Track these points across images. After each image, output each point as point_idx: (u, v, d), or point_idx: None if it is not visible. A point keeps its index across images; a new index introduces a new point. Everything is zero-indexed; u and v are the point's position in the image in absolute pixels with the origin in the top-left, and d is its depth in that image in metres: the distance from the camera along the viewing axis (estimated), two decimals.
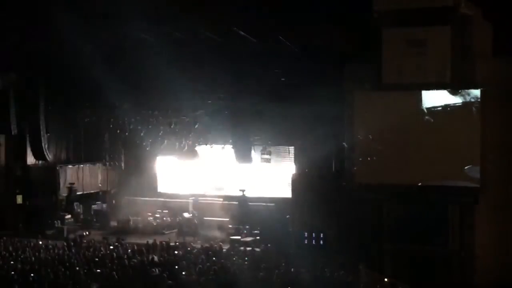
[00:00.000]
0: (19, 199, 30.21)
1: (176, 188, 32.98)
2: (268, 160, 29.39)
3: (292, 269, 19.60)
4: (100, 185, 33.31)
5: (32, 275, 18.86)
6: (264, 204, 28.99)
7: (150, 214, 30.46)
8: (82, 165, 32.58)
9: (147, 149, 32.71)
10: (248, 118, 27.55)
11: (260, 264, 20.13)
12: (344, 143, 22.43)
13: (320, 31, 22.23)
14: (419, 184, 19.44)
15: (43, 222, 29.08)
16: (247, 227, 27.64)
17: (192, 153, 31.37)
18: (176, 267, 19.71)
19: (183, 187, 32.51)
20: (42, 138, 29.77)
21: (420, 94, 19.59)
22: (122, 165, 33.78)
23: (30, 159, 30.59)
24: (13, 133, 29.35)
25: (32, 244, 24.73)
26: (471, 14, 19.52)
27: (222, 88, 27.23)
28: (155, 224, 29.72)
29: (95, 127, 32.41)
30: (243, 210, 28.71)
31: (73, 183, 31.32)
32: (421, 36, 19.40)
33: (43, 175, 30.90)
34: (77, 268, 19.71)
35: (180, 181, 33.00)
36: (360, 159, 20.54)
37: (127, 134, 32.24)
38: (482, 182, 18.90)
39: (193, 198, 30.97)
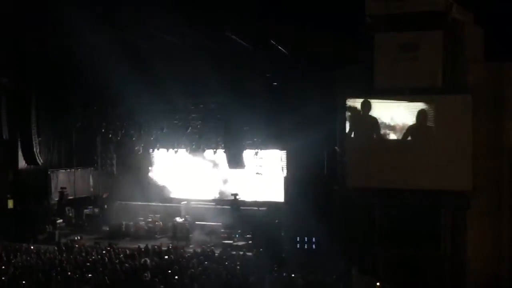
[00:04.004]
0: (11, 203, 30.10)
1: (169, 192, 33.00)
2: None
3: (285, 274, 19.62)
4: (92, 189, 33.24)
5: (23, 279, 18.82)
6: (256, 208, 29.00)
7: (142, 218, 30.42)
8: (73, 170, 32.51)
9: (139, 153, 32.70)
10: (240, 122, 27.56)
11: (252, 269, 20.13)
12: (336, 147, 22.46)
13: (312, 35, 22.26)
14: (411, 188, 19.46)
15: (35, 227, 29.00)
16: (239, 231, 27.62)
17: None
18: (169, 271, 19.69)
19: (178, 191, 32.55)
20: (34, 143, 29.68)
21: (412, 99, 19.62)
22: (114, 169, 33.73)
23: (22, 164, 30.48)
24: (4, 137, 29.26)
25: (23, 248, 24.66)
26: (463, 19, 19.57)
27: (214, 92, 27.25)
28: (147, 228, 29.68)
29: (87, 131, 32.37)
30: (235, 214, 28.71)
31: (65, 188, 31.24)
32: (413, 40, 19.41)
33: (34, 180, 30.80)
34: (69, 273, 19.69)
35: (173, 185, 33.01)
36: (352, 163, 20.53)
37: (119, 138, 32.22)
38: (474, 186, 18.93)
39: (185, 202, 30.98)
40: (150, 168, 33.56)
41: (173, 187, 32.97)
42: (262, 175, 29.26)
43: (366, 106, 20.08)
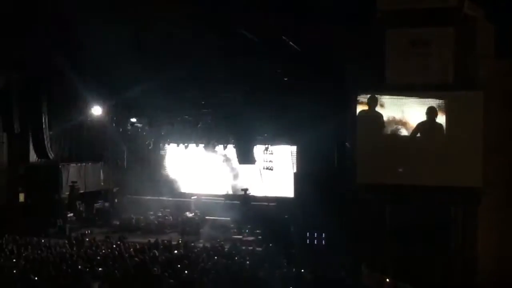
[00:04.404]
0: (21, 197, 30.20)
1: (179, 186, 33.07)
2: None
3: (294, 269, 19.61)
4: (102, 183, 33.34)
5: (34, 273, 18.89)
6: (266, 203, 29.01)
7: (152, 212, 30.50)
8: (84, 164, 32.62)
9: (150, 148, 32.78)
10: (250, 118, 27.53)
11: (262, 264, 20.14)
12: (346, 143, 22.42)
13: (323, 30, 22.20)
14: (421, 184, 19.43)
15: (45, 221, 29.08)
16: (249, 226, 27.65)
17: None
18: (178, 266, 19.73)
19: (188, 186, 32.63)
20: (45, 137, 29.74)
21: (423, 95, 19.57)
22: (125, 163, 33.82)
23: (33, 157, 30.58)
24: (15, 131, 29.34)
25: (34, 242, 24.76)
26: (474, 14, 19.48)
27: (225, 88, 27.23)
28: (157, 223, 29.75)
29: (98, 125, 32.44)
30: (245, 209, 28.73)
31: (76, 182, 31.32)
32: (424, 36, 19.35)
33: (45, 174, 30.86)
34: (79, 267, 19.76)
35: (183, 179, 33.08)
36: (362, 159, 20.50)
37: (129, 133, 32.30)
38: (484, 183, 18.87)
39: (195, 197, 31.03)
40: (160, 162, 33.64)
41: (183, 181, 33.03)
42: (272, 170, 29.33)
43: (375, 102, 20.04)
